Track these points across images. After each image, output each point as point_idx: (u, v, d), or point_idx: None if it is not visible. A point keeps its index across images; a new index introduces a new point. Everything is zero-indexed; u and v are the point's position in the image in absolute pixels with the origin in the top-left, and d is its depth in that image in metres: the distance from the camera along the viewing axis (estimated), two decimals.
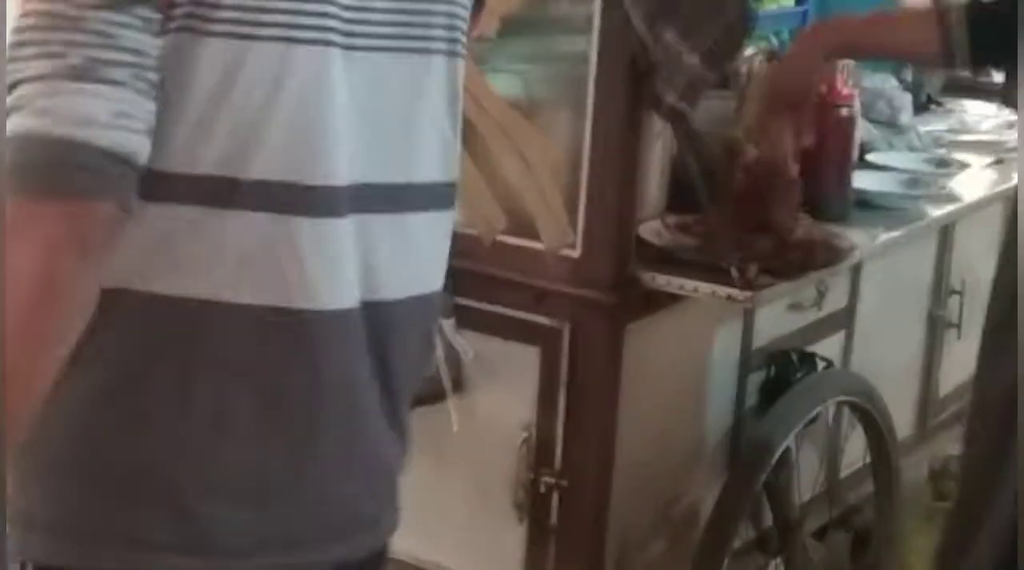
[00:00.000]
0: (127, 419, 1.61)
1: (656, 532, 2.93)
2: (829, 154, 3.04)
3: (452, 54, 1.76)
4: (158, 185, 1.52)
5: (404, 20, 1.69)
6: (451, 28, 1.75)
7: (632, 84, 2.61)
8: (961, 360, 3.55)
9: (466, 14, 1.78)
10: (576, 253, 2.66)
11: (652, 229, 2.79)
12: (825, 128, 3.01)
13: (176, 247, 1.57)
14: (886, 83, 3.76)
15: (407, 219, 1.71)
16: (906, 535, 3.43)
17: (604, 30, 2.60)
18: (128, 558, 1.62)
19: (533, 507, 2.74)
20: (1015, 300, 2.27)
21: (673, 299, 2.73)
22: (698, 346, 2.93)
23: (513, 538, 2.74)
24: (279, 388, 1.64)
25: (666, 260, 2.72)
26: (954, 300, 3.60)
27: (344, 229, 1.62)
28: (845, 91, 3.06)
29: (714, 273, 2.67)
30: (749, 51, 3.16)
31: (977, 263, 3.54)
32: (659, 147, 2.81)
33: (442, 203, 1.78)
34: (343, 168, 1.62)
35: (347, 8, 1.60)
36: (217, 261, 1.57)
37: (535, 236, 2.63)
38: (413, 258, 1.74)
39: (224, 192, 1.55)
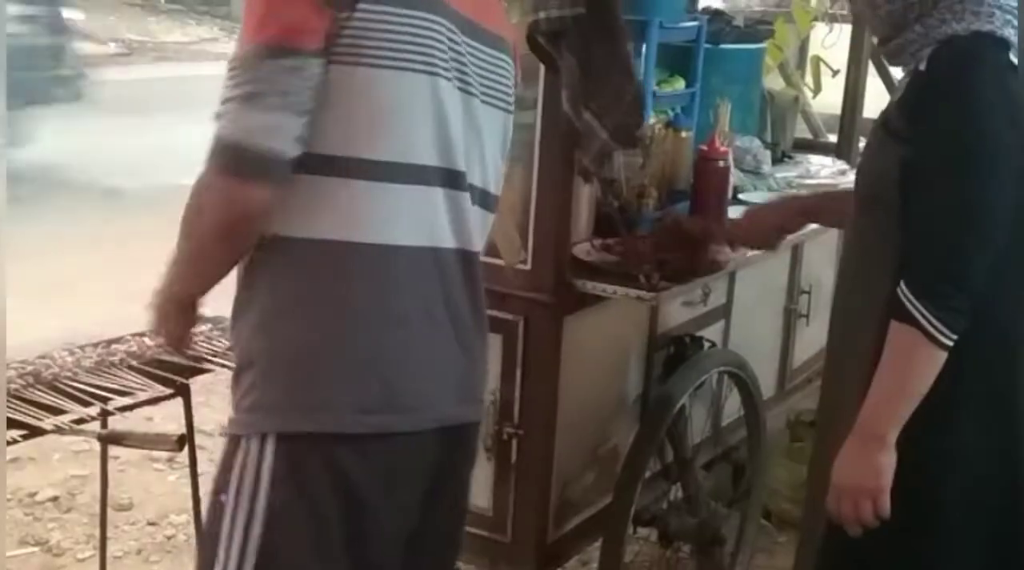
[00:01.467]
0: (337, 327, 1.75)
1: (588, 467, 3.01)
2: (710, 193, 3.13)
3: (507, 111, 1.98)
4: (339, 166, 1.72)
5: (490, 80, 1.92)
6: (508, 94, 1.98)
7: (566, 147, 2.69)
8: (809, 340, 3.76)
9: (514, 86, 2.01)
10: (528, 267, 2.75)
11: (583, 249, 2.90)
12: (707, 175, 3.13)
13: (355, 208, 1.74)
14: (752, 142, 3.81)
15: (481, 209, 1.95)
16: (771, 467, 3.53)
17: (546, 108, 2.67)
18: (348, 420, 1.75)
19: (498, 450, 2.81)
20: (846, 290, 2.36)
21: (599, 299, 2.80)
22: (617, 332, 3.02)
23: (484, 472, 2.76)
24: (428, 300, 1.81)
25: (593, 271, 2.81)
26: (803, 297, 3.71)
27: (453, 196, 1.84)
28: (721, 149, 3.14)
29: (628, 279, 2.77)
30: (652, 120, 3.24)
31: (819, 271, 3.71)
32: (587, 191, 2.92)
33: (491, 207, 1.99)
34: (456, 154, 1.83)
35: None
36: (388, 216, 1.75)
37: (499, 255, 2.68)
38: (483, 234, 1.97)
39: (395, 171, 1.74)
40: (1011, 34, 2.03)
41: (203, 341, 2.65)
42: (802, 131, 4.58)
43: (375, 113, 1.72)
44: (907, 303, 1.96)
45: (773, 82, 4.25)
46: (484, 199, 1.95)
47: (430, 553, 1.99)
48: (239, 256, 1.80)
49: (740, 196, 3.49)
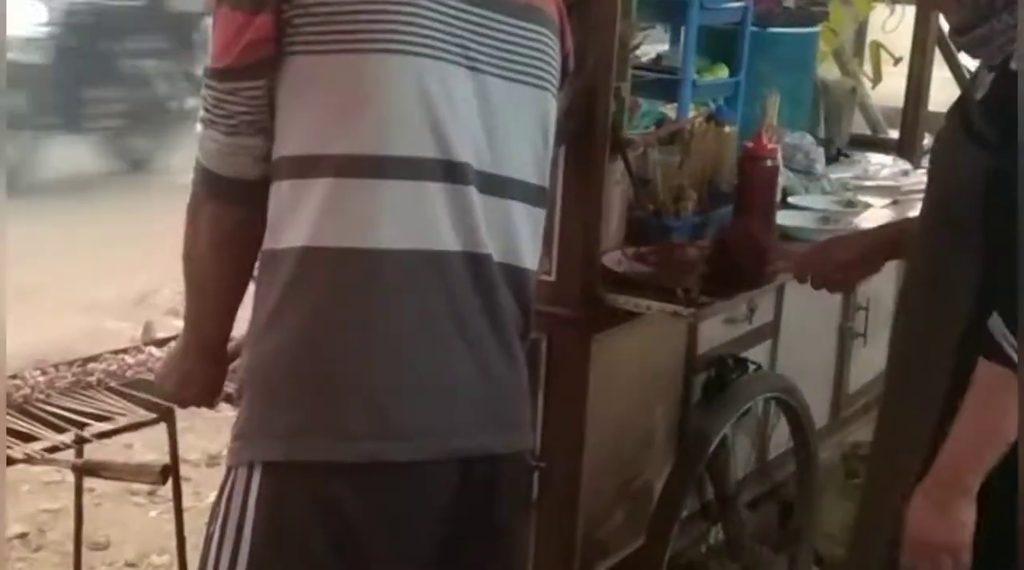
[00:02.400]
0: (314, 343, 1.71)
1: (618, 504, 2.91)
2: (756, 196, 3.02)
3: (542, 88, 1.87)
4: (314, 165, 1.70)
5: (513, 54, 1.82)
6: (543, 70, 1.87)
7: (595, 142, 2.61)
8: (867, 363, 3.65)
9: (556, 63, 1.90)
10: (551, 278, 2.65)
11: (613, 258, 2.79)
12: (753, 175, 3.01)
13: (329, 210, 1.70)
14: (803, 139, 3.75)
15: (508, 204, 1.83)
16: (823, 507, 3.41)
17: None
18: (331, 447, 1.69)
19: None
20: (910, 312, 2.26)
21: (631, 315, 2.70)
22: (652, 353, 2.91)
23: None
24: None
25: (625, 283, 2.71)
26: (860, 314, 3.60)
27: (457, 190, 1.74)
28: (769, 146, 3.03)
29: (664, 293, 2.66)
30: (691, 113, 3.20)
31: (879, 285, 3.52)
32: (618, 193, 2.81)
33: (532, 200, 1.88)
34: (467, 150, 1.74)
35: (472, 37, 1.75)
36: (366, 215, 1.70)
37: None
38: (508, 234, 1.83)
39: (375, 166, 1.69)
40: None
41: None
42: (860, 126, 4.47)
43: (345, 103, 1.70)
44: (1000, 340, 1.84)
45: (827, 71, 4.18)
46: (514, 190, 1.85)
47: None
48: (241, 276, 1.85)
49: (790, 199, 3.41)
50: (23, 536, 4.09)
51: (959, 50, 2.16)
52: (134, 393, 2.53)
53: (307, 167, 1.70)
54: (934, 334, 2.10)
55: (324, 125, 1.71)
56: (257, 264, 1.81)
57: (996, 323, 1.84)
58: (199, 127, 1.78)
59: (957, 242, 2.05)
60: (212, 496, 3.89)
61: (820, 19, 3.89)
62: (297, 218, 1.71)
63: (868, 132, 4.48)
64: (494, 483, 1.84)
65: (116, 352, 2.67)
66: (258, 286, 1.79)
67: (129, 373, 2.58)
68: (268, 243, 1.75)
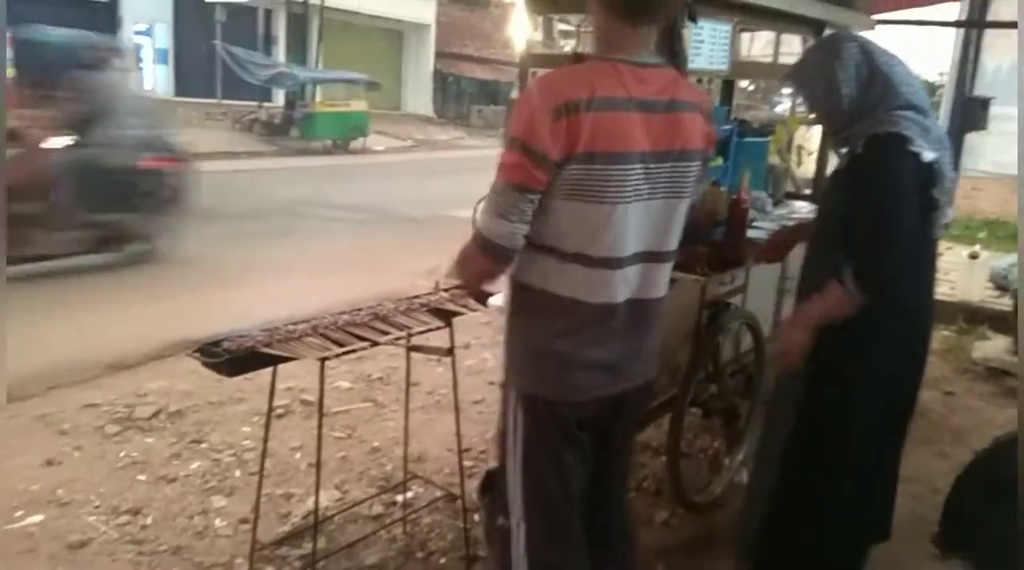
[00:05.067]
0: (545, 340, 1.65)
1: (663, 374, 2.76)
2: (737, 223, 3.02)
3: (683, 198, 1.67)
4: (555, 252, 1.60)
5: (672, 183, 1.62)
6: (688, 185, 1.66)
7: None
8: (791, 306, 3.59)
9: (697, 175, 1.68)
10: None
11: None
12: (736, 213, 3.01)
13: (557, 275, 1.62)
14: (761, 194, 3.71)
15: (660, 265, 1.70)
16: (766, 375, 3.38)
17: None
18: (560, 390, 1.67)
19: None
20: (807, 264, 2.25)
21: (673, 281, 2.58)
22: (684, 299, 2.84)
23: None
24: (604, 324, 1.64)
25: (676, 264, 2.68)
26: (789, 282, 3.47)
27: (625, 272, 1.62)
28: (744, 196, 3.02)
29: (689, 269, 2.70)
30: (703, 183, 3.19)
31: (797, 267, 3.55)
32: None
33: (672, 259, 1.74)
34: (629, 247, 1.60)
35: (647, 179, 1.56)
36: (575, 283, 1.61)
37: None
38: (659, 282, 1.72)
39: (583, 259, 1.59)
40: (910, 130, 1.92)
41: (453, 299, 2.62)
42: (789, 187, 4.35)
43: (573, 226, 1.57)
44: (843, 272, 1.94)
45: (773, 159, 4.06)
46: (657, 258, 1.68)
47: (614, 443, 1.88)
48: (492, 281, 1.74)
49: (754, 224, 3.35)
50: (380, 379, 4.19)
51: (831, 144, 2.17)
52: (433, 313, 2.44)
53: (551, 252, 1.60)
54: (818, 273, 2.09)
55: (562, 234, 1.58)
56: (511, 287, 1.70)
57: (843, 265, 1.92)
58: (481, 212, 1.60)
59: (829, 234, 2.09)
60: (468, 361, 3.89)
61: (770, 132, 3.83)
62: (544, 274, 1.62)
63: (794, 190, 4.43)
64: (625, 403, 1.78)
65: (423, 294, 2.60)
66: (514, 298, 1.70)
67: (432, 302, 2.51)
68: (525, 280, 1.65)
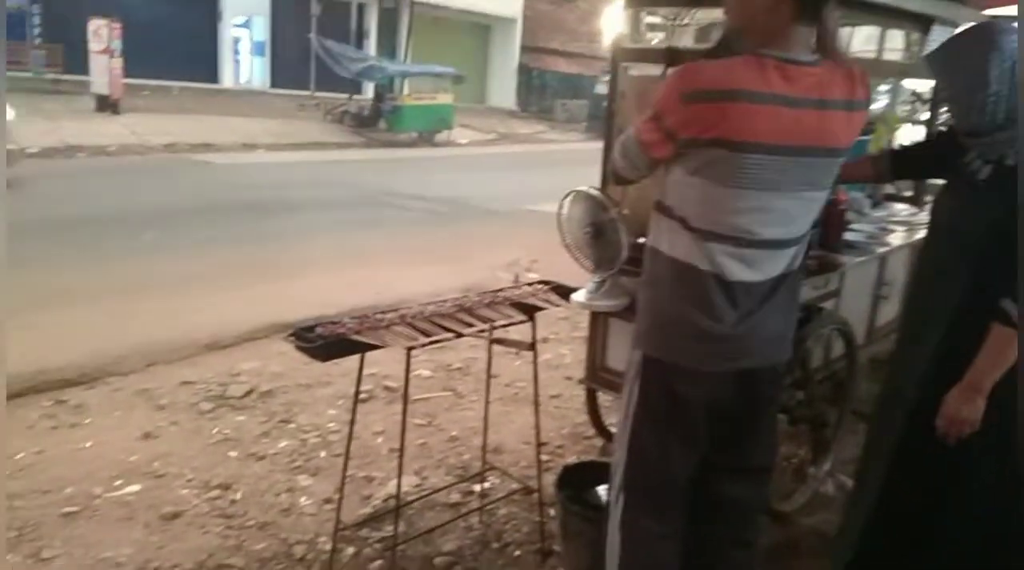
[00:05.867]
0: (669, 299, 1.69)
1: None
2: (835, 225, 2.95)
3: (823, 190, 1.66)
4: (683, 222, 1.63)
5: (808, 179, 1.60)
6: (826, 181, 1.64)
7: None
8: (886, 312, 3.43)
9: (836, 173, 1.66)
10: None
11: None
12: (833, 214, 2.93)
13: (684, 245, 1.64)
14: (860, 194, 3.62)
15: (788, 250, 1.66)
16: (859, 385, 3.22)
17: None
18: (678, 354, 1.69)
19: None
20: (920, 286, 2.11)
21: None
22: None
23: None
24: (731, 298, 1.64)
25: None
26: (886, 288, 3.38)
27: (750, 253, 1.61)
28: (843, 197, 2.94)
29: None
30: None
31: (897, 272, 3.40)
32: None
33: (800, 243, 1.70)
34: (754, 232, 1.59)
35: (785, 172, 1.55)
36: (701, 255, 1.62)
37: None
38: (786, 262, 1.68)
39: (709, 235, 1.61)
40: None
41: (535, 294, 2.61)
42: (888, 189, 4.16)
43: (700, 203, 1.61)
44: (1008, 310, 1.74)
45: None
46: (785, 244, 1.66)
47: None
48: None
49: (851, 226, 3.27)
50: (460, 369, 4.20)
51: (966, 146, 1.89)
52: (516, 307, 2.48)
53: (684, 223, 1.63)
54: (938, 303, 1.94)
55: (694, 209, 1.62)
56: (646, 251, 1.74)
57: (1007, 303, 1.72)
58: (617, 152, 1.72)
59: (955, 252, 1.90)
60: (546, 356, 3.85)
61: (871, 131, 3.64)
62: (675, 244, 1.65)
63: (894, 192, 4.25)
64: (756, 382, 1.77)
65: (507, 287, 2.65)
66: (650, 265, 1.72)
67: (515, 296, 2.53)
68: (658, 246, 1.69)
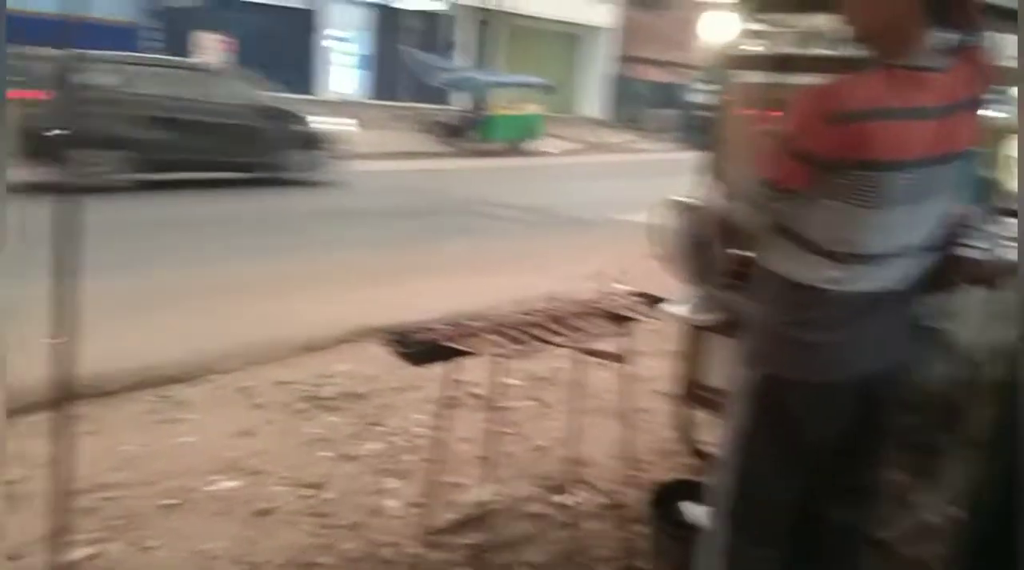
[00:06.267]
0: (778, 315, 1.66)
1: None
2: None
3: (945, 193, 1.62)
4: (799, 239, 1.60)
5: (938, 186, 1.57)
6: (953, 185, 1.63)
7: None
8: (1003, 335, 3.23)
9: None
10: None
11: None
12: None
13: (798, 263, 1.62)
14: (973, 208, 3.34)
15: (914, 260, 1.65)
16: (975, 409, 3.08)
17: None
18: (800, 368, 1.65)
19: None
20: None
21: None
22: None
23: None
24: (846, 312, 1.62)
25: None
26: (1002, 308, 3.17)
27: (873, 267, 1.59)
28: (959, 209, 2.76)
29: None
30: None
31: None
32: None
33: (922, 254, 1.68)
34: (882, 247, 1.58)
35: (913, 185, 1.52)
36: (817, 273, 1.60)
37: None
38: (910, 274, 1.67)
39: (829, 253, 1.58)
40: None
41: (629, 307, 2.57)
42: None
43: (828, 224, 1.58)
44: None
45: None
46: (911, 253, 1.64)
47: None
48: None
49: (966, 241, 2.97)
50: (544, 379, 4.18)
51: None
52: (608, 317, 2.47)
53: (802, 243, 1.61)
54: None
55: (818, 231, 1.59)
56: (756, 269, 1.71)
57: None
58: (742, 195, 1.64)
59: None
60: (634, 368, 3.78)
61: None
62: (787, 262, 1.62)
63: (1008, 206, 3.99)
64: (871, 393, 1.72)
65: (594, 297, 2.63)
66: (760, 282, 1.69)
67: (604, 306, 2.51)
68: (770, 266, 1.67)
